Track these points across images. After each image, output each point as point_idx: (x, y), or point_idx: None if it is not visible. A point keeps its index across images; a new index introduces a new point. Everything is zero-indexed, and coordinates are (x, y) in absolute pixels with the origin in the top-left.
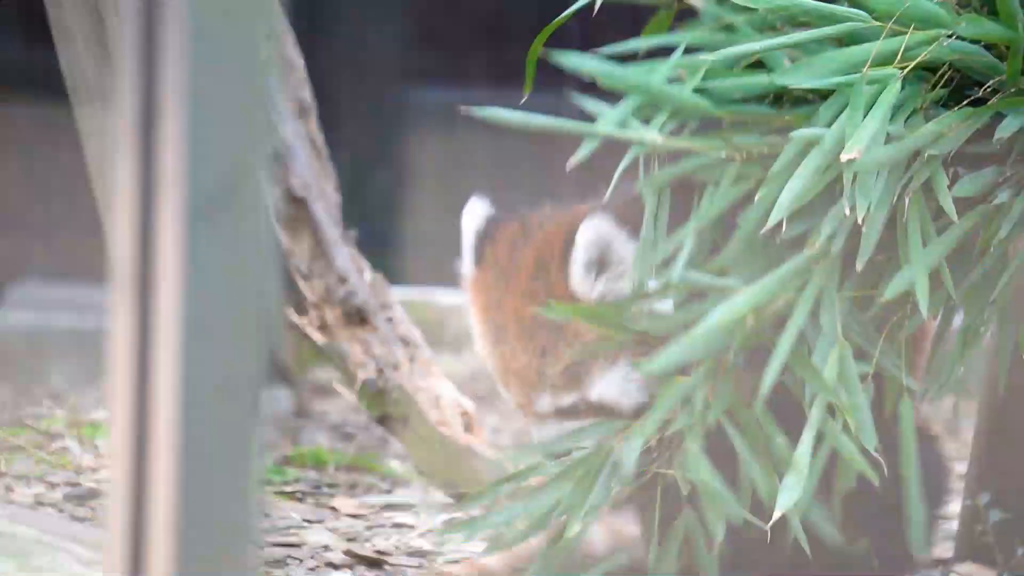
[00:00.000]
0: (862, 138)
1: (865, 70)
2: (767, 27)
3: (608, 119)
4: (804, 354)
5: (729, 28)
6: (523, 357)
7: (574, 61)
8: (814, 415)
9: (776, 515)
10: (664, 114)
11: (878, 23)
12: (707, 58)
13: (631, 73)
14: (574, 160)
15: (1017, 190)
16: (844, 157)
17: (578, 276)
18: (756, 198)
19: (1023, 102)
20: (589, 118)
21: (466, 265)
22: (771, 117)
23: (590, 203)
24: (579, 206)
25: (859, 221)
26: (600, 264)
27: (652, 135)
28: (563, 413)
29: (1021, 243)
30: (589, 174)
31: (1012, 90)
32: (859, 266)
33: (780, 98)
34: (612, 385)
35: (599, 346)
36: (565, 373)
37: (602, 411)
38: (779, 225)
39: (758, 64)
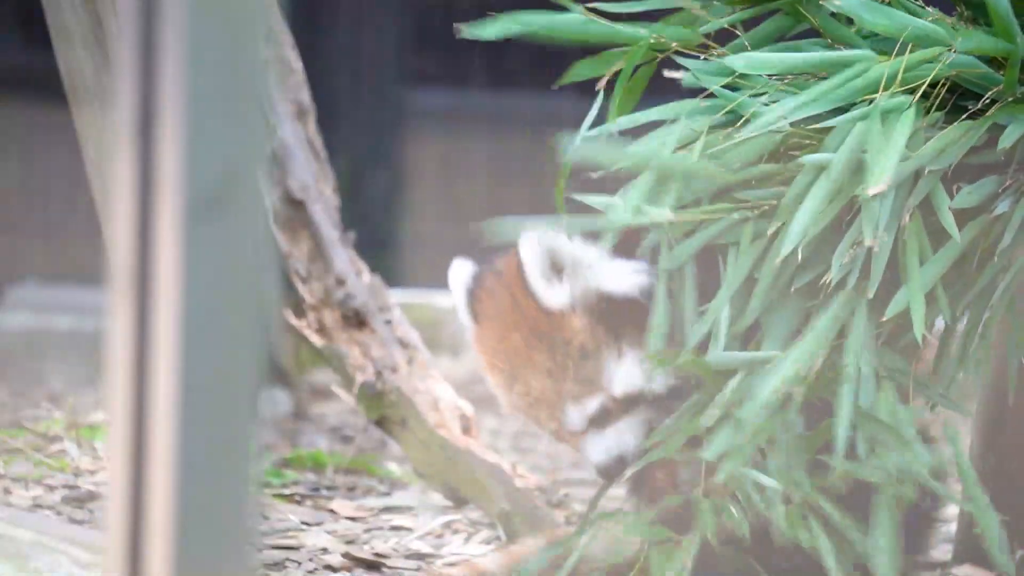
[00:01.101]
0: (885, 169)
1: (879, 99)
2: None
3: (618, 209)
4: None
5: (734, 89)
6: (535, 384)
7: (581, 155)
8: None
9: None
10: (675, 191)
11: (882, 57)
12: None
13: (641, 151)
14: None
15: (1018, 198)
16: (871, 192)
17: (541, 291)
18: (770, 233)
19: (1022, 109)
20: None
21: (467, 328)
22: (780, 172)
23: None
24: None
25: (873, 248)
26: (555, 270)
27: (663, 213)
28: (597, 421)
29: (1021, 251)
30: (585, 177)
31: (1010, 99)
32: (870, 293)
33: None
34: (629, 374)
35: (591, 344)
36: (578, 381)
37: (635, 404)
38: (795, 270)
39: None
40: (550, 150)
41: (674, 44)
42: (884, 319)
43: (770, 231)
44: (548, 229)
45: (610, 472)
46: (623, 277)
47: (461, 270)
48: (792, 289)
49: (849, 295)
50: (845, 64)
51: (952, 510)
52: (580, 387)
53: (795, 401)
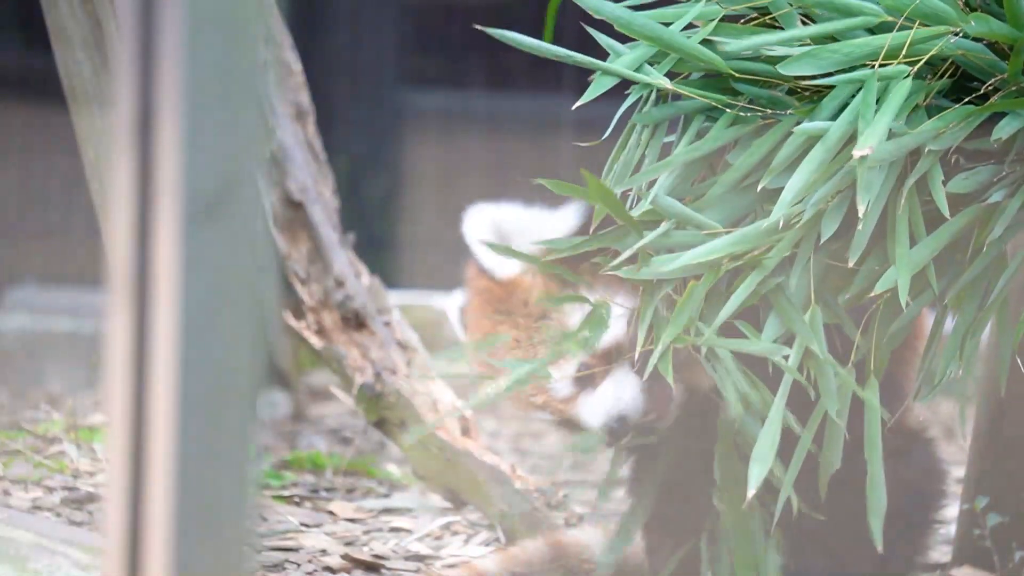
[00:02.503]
0: (875, 135)
1: (876, 65)
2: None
3: (620, 60)
4: (781, 294)
5: None
6: (511, 358)
7: (592, 4)
8: (791, 363)
9: (750, 493)
10: (670, 60)
11: (890, 18)
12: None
13: (646, 21)
14: (581, 102)
15: (1012, 190)
16: (857, 154)
17: (492, 265)
18: (752, 147)
19: (1022, 103)
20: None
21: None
22: (775, 76)
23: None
24: None
25: (859, 215)
26: (502, 238)
27: (659, 78)
28: (583, 381)
29: (1018, 243)
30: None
31: (1013, 89)
32: (851, 261)
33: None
34: (592, 320)
35: (551, 299)
36: (546, 343)
37: (615, 354)
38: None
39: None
40: None
41: None
42: (875, 292)
43: (760, 186)
44: (488, 204)
45: (616, 433)
46: (562, 222)
47: (455, 297)
48: (759, 188)
49: (811, 228)
50: (851, 10)
51: (951, 512)
52: (552, 348)
53: (717, 271)
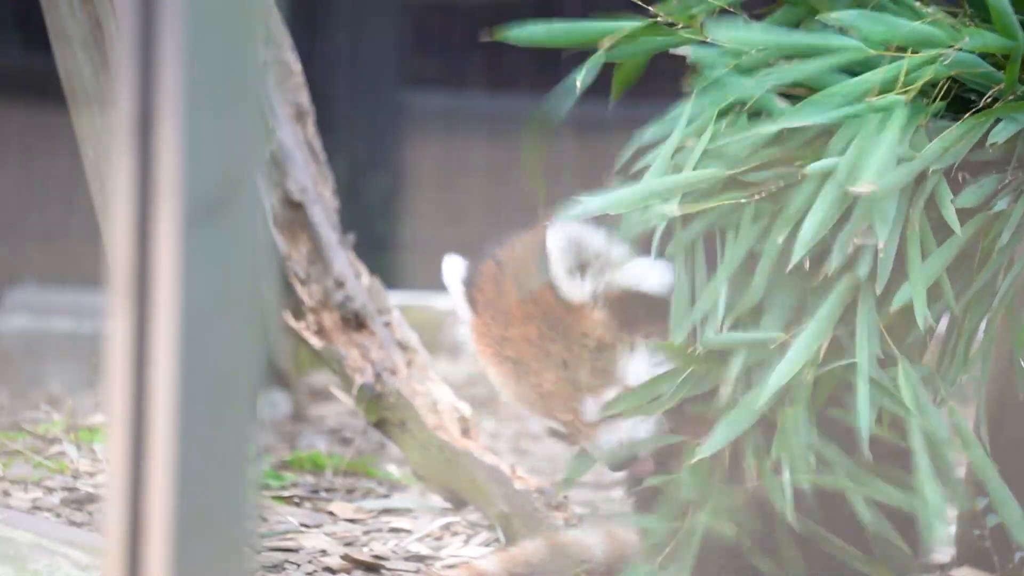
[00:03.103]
0: (872, 169)
1: (871, 99)
2: (756, 69)
3: (625, 203)
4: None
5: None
6: (549, 376)
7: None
8: (916, 443)
9: (706, 453)
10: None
11: (874, 52)
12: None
13: (643, 189)
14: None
15: (1016, 196)
16: (856, 191)
17: (564, 283)
18: (776, 235)
19: (1021, 107)
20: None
21: (462, 317)
22: (781, 156)
23: (549, 217)
24: (540, 223)
25: (880, 245)
26: (580, 265)
27: (670, 208)
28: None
29: (1020, 249)
30: (584, 174)
31: (1011, 96)
32: (878, 289)
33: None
34: (642, 367)
35: (608, 337)
36: (594, 372)
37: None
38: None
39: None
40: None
41: (679, 24)
42: (892, 309)
43: (780, 238)
44: (575, 222)
45: (620, 464)
46: (647, 274)
47: (455, 264)
48: (788, 270)
49: (850, 279)
50: (829, 50)
51: (952, 512)
52: (597, 379)
53: (806, 384)
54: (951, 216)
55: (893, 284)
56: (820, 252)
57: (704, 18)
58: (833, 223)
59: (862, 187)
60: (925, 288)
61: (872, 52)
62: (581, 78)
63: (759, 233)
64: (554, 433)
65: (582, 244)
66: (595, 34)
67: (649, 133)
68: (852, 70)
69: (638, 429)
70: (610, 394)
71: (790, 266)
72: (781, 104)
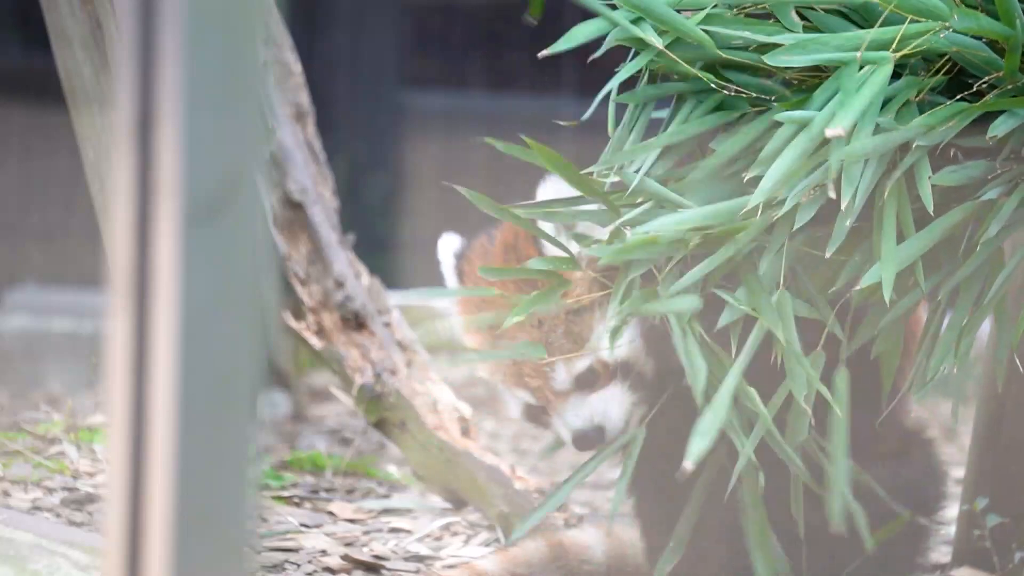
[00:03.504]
0: (848, 116)
1: (859, 52)
2: None
3: (622, 13)
4: (752, 272)
5: None
6: (523, 334)
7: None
8: (752, 339)
9: (688, 465)
10: (669, 37)
11: (884, 2)
12: None
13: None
14: (546, 52)
15: (1008, 188)
16: (829, 133)
17: (550, 243)
18: (738, 134)
19: (1019, 102)
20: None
21: (451, 288)
22: (767, 67)
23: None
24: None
25: (841, 208)
26: (566, 227)
27: (656, 41)
28: (584, 383)
29: (1015, 242)
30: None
31: (1009, 87)
32: (828, 252)
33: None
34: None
35: (587, 300)
36: (568, 335)
37: (624, 373)
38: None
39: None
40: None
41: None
42: (860, 286)
43: (746, 176)
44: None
45: (585, 441)
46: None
47: (450, 240)
48: (746, 178)
49: (787, 216)
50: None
51: (951, 513)
52: (571, 343)
53: (686, 246)
54: (926, 192)
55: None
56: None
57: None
58: (798, 176)
59: (834, 130)
60: (895, 269)
61: (882, 2)
62: (558, 44)
63: (714, 124)
64: (529, 413)
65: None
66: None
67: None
68: (855, 23)
69: (608, 406)
70: (583, 363)
71: (746, 208)
72: (795, 19)
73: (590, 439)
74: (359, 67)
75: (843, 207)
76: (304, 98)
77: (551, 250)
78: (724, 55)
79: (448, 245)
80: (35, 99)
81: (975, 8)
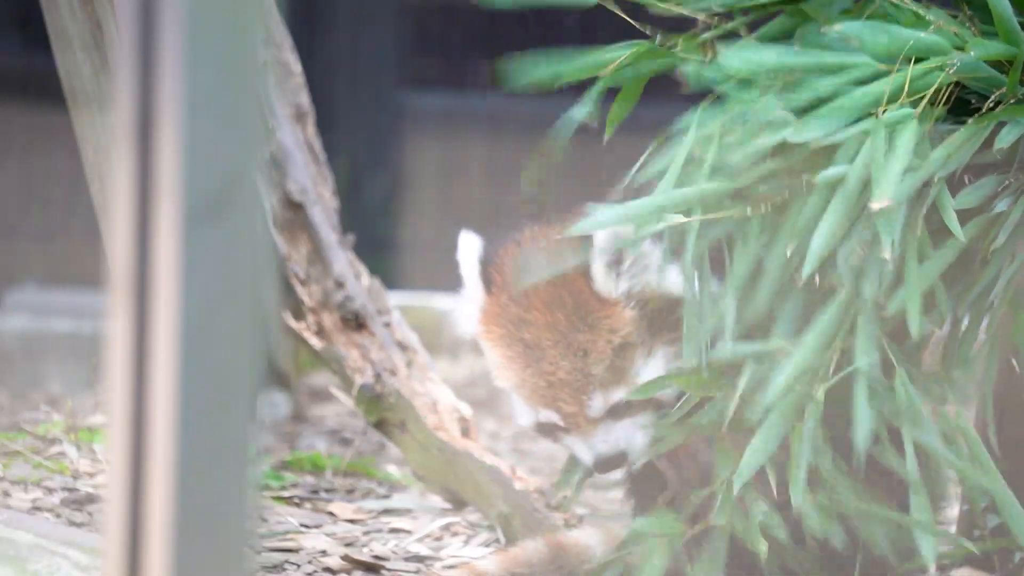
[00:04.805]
0: (890, 184)
1: (880, 112)
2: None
3: (637, 213)
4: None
5: (720, 98)
6: (565, 364)
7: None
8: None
9: (736, 486)
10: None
11: (884, 67)
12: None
13: (649, 203)
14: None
15: (1016, 197)
16: (875, 206)
17: (601, 277)
18: (785, 247)
19: (1021, 111)
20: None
21: (474, 296)
22: (785, 167)
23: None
24: (574, 214)
25: (887, 257)
26: (619, 261)
27: (678, 218)
28: (616, 412)
29: (1021, 247)
30: (579, 181)
31: (1012, 100)
32: (893, 306)
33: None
34: (659, 371)
35: (633, 337)
36: (611, 369)
37: (654, 403)
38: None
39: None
40: (546, 152)
41: (678, 45)
42: (888, 314)
43: (789, 250)
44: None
45: (607, 465)
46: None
47: (470, 241)
48: (801, 285)
49: (851, 293)
50: (841, 68)
51: (952, 512)
52: (611, 376)
53: (816, 399)
54: (953, 222)
55: (891, 289)
56: (823, 263)
57: (711, 41)
58: (843, 234)
59: (880, 202)
60: (920, 293)
61: (882, 67)
62: (582, 111)
63: (765, 245)
64: (541, 428)
65: (624, 242)
66: (596, 65)
67: (656, 146)
68: (860, 82)
69: (633, 433)
70: (619, 393)
71: (803, 280)
72: (788, 117)
73: (612, 463)
74: (359, 67)
75: (886, 255)
76: (304, 98)
77: (599, 267)
78: (745, 181)
79: (470, 246)
80: (35, 99)
81: (967, 28)
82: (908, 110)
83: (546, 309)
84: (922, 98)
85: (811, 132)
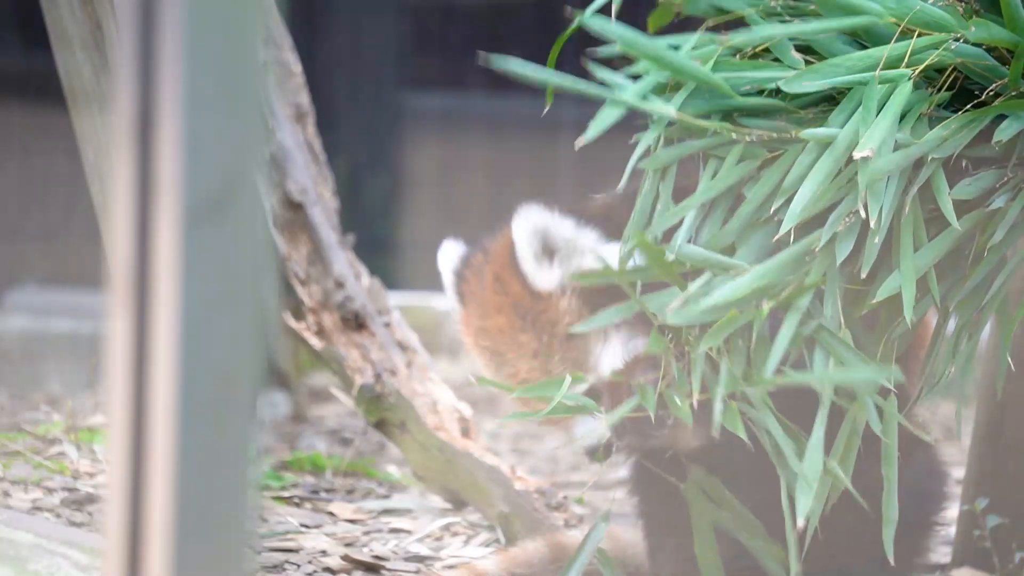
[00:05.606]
0: (875, 137)
1: (877, 71)
2: (774, 16)
3: (629, 90)
4: (824, 331)
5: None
6: (523, 365)
7: (598, 25)
8: (825, 400)
9: (800, 523)
10: (684, 92)
11: (891, 21)
12: (724, 38)
13: (654, 42)
14: (582, 140)
15: (1014, 194)
16: (857, 155)
17: (531, 271)
18: (763, 178)
19: (1022, 105)
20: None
21: (453, 309)
22: (782, 108)
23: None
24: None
25: (871, 225)
26: (547, 251)
27: (668, 109)
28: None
29: (1018, 246)
30: (583, 176)
31: (1014, 93)
32: (864, 272)
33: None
34: (618, 356)
35: (580, 323)
36: (566, 362)
37: (627, 389)
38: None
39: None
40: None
41: None
42: (875, 300)
43: (773, 209)
44: (542, 211)
45: (597, 454)
46: (616, 260)
47: (450, 251)
48: (772, 211)
49: (828, 252)
50: (847, 7)
51: (951, 513)
52: (568, 368)
53: (762, 311)
54: (947, 207)
55: (877, 273)
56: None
57: None
58: (827, 195)
59: (863, 152)
60: (915, 278)
61: (888, 20)
62: (590, 131)
63: (740, 175)
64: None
65: (549, 231)
66: None
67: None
68: (858, 41)
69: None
70: (582, 386)
71: (778, 235)
72: (795, 56)
73: (601, 451)
74: (359, 67)
75: (872, 225)
76: (304, 98)
77: (526, 262)
78: (742, 100)
79: (447, 257)
80: (35, 99)
81: (975, 16)
82: (905, 71)
83: (495, 314)
84: (923, 70)
85: (807, 83)
